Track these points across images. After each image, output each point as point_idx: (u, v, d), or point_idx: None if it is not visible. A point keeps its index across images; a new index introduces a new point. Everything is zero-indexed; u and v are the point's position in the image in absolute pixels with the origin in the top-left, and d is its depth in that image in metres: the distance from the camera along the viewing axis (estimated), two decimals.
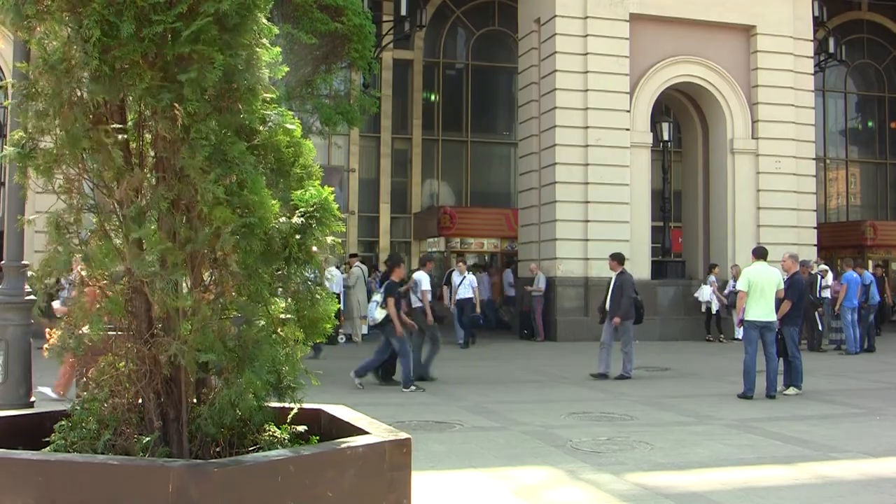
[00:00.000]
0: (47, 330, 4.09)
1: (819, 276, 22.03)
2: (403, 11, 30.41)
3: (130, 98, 3.94)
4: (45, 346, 4.04)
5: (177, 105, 3.77)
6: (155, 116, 3.87)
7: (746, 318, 14.03)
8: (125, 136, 3.98)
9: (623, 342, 16.35)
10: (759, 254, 14.45)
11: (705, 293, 24.58)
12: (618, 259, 16.83)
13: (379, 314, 14.15)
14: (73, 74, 3.84)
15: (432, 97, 36.04)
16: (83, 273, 4.06)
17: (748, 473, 8.66)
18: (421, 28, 33.15)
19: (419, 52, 35.13)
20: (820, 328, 22.08)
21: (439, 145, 35.66)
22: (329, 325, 4.38)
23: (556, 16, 25.39)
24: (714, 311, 24.50)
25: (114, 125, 3.95)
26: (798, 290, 14.63)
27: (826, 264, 25.09)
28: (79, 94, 3.90)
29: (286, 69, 4.22)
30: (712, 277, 24.68)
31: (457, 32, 36.42)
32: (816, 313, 21.48)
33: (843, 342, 21.88)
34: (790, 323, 14.42)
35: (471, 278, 22.84)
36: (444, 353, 16.85)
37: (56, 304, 10.70)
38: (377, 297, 14.44)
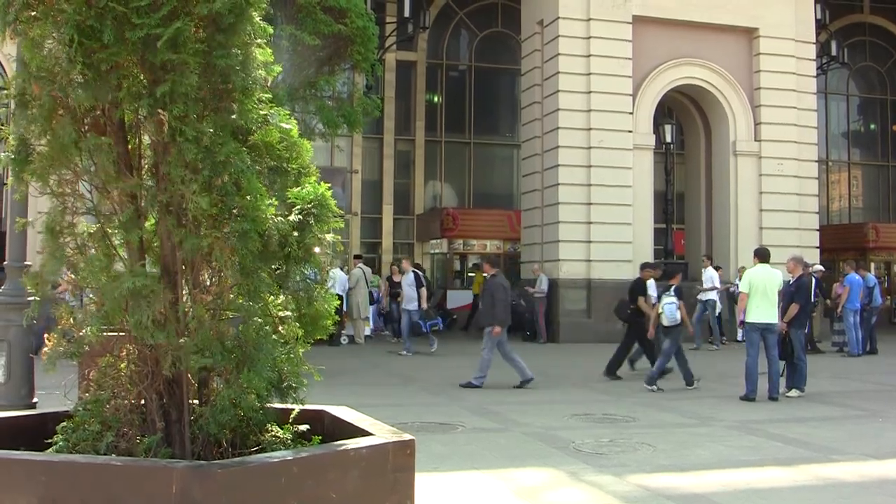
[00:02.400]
0: (46, 335, 4.08)
1: (814, 277, 21.88)
2: (407, 13, 30.41)
3: (126, 100, 3.94)
4: (45, 349, 4.04)
5: (161, 110, 3.76)
6: (146, 119, 3.88)
7: (747, 320, 14.02)
8: (122, 139, 3.98)
9: (484, 345, 15.19)
10: (762, 255, 14.41)
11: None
12: (491, 262, 16.27)
13: (679, 316, 14.93)
14: (61, 79, 3.83)
15: (435, 99, 36.06)
16: (71, 277, 4.06)
17: (750, 475, 8.66)
18: (424, 30, 33.15)
19: (422, 54, 35.14)
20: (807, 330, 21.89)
21: (442, 147, 35.67)
22: (330, 323, 4.38)
23: (559, 18, 25.40)
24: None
25: (110, 128, 3.95)
26: (805, 293, 14.63)
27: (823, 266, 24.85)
28: (71, 98, 3.90)
29: (279, 69, 4.21)
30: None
31: (460, 34, 36.44)
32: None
33: (846, 344, 21.85)
34: (798, 326, 14.41)
35: None
36: (446, 355, 16.87)
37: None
38: (672, 300, 14.97)
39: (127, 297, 3.77)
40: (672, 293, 15.06)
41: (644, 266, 17.54)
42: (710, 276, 23.15)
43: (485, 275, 16.26)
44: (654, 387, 14.63)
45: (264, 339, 4.00)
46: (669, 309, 14.90)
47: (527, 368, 14.93)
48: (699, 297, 23.12)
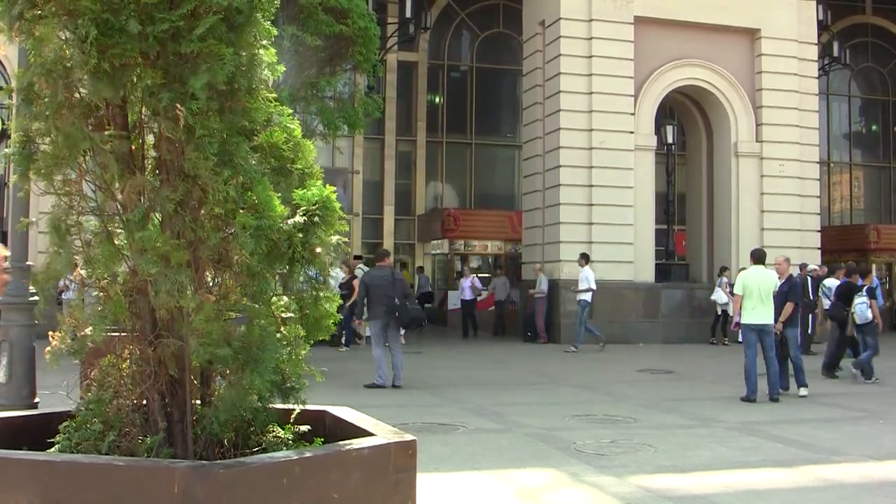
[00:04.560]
0: (50, 333, 4.09)
1: (809, 278, 21.59)
2: (408, 13, 30.43)
3: (132, 99, 3.95)
4: (48, 349, 4.05)
5: (179, 105, 3.77)
6: (157, 117, 3.87)
7: (743, 322, 14.15)
8: (127, 138, 3.98)
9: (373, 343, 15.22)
10: (755, 257, 14.53)
11: (721, 295, 24.50)
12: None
13: (870, 314, 16.31)
14: (70, 76, 3.84)
15: (436, 99, 36.06)
16: (83, 273, 4.06)
17: (750, 476, 8.67)
18: (425, 30, 33.15)
19: (424, 55, 35.14)
20: (809, 331, 21.74)
21: (443, 147, 35.67)
22: (332, 323, 4.39)
23: (560, 18, 25.40)
24: (729, 314, 24.42)
25: (115, 127, 3.96)
26: (798, 293, 14.78)
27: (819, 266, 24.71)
28: (77, 96, 3.91)
29: (283, 69, 4.22)
30: (724, 279, 24.63)
31: (461, 35, 36.44)
32: (811, 315, 21.17)
33: None
34: (791, 324, 14.51)
35: None
36: (446, 355, 16.87)
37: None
38: (864, 299, 16.39)
39: (157, 263, 3.76)
40: (864, 293, 16.39)
41: (852, 268, 19.37)
42: (584, 276, 22.83)
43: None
44: (874, 378, 16.25)
45: (269, 339, 4.01)
46: (861, 308, 16.24)
47: (384, 374, 14.64)
48: (577, 297, 22.90)
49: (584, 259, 23.30)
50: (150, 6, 3.68)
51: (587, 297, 22.70)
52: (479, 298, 28.26)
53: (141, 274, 3.85)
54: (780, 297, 14.38)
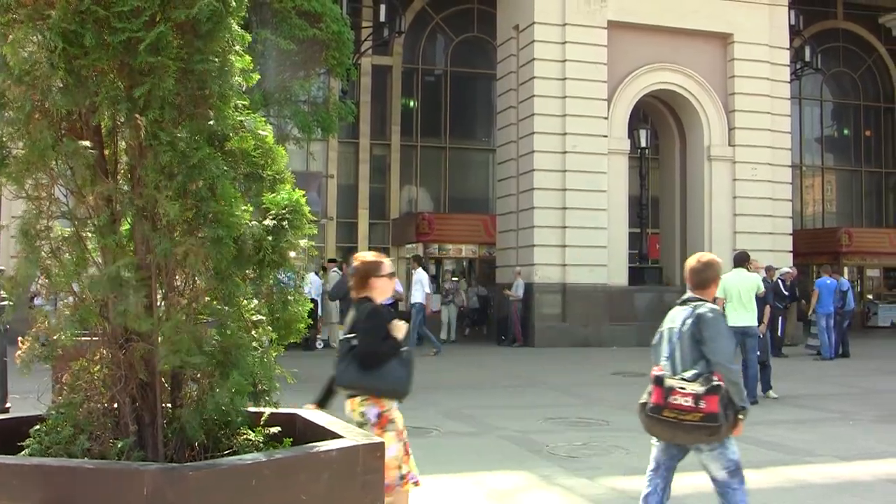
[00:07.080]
0: (20, 338, 4.09)
1: (780, 281, 21.69)
2: (382, 17, 30.45)
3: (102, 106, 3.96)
4: (18, 353, 4.05)
5: (138, 115, 3.78)
6: (124, 124, 3.89)
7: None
8: (99, 144, 3.99)
9: None
10: (735, 260, 14.61)
11: None
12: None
13: None
14: (41, 84, 3.84)
15: (411, 103, 36.05)
16: (46, 282, 4.06)
17: None
18: (400, 34, 33.16)
19: (398, 58, 35.15)
20: (780, 334, 21.90)
21: (418, 151, 35.67)
22: (302, 326, 4.41)
23: (534, 22, 25.49)
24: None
25: (86, 133, 3.97)
26: (771, 295, 15.01)
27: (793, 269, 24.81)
28: (51, 101, 3.91)
29: (257, 76, 4.24)
30: None
31: (436, 39, 36.46)
32: (780, 318, 21.35)
33: (819, 348, 22.04)
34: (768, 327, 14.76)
35: None
36: (420, 359, 16.69)
37: None
38: None
39: (112, 284, 3.78)
40: None
41: None
42: (419, 278, 22.51)
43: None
44: None
45: (245, 343, 4.03)
46: None
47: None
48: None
49: (417, 261, 23.15)
50: (111, 16, 3.68)
51: (420, 298, 22.13)
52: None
53: (92, 294, 3.87)
54: (763, 301, 14.53)
